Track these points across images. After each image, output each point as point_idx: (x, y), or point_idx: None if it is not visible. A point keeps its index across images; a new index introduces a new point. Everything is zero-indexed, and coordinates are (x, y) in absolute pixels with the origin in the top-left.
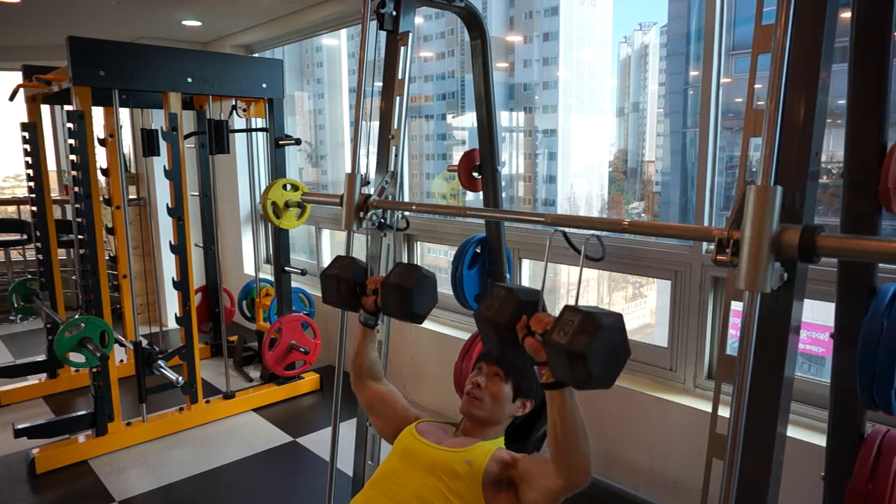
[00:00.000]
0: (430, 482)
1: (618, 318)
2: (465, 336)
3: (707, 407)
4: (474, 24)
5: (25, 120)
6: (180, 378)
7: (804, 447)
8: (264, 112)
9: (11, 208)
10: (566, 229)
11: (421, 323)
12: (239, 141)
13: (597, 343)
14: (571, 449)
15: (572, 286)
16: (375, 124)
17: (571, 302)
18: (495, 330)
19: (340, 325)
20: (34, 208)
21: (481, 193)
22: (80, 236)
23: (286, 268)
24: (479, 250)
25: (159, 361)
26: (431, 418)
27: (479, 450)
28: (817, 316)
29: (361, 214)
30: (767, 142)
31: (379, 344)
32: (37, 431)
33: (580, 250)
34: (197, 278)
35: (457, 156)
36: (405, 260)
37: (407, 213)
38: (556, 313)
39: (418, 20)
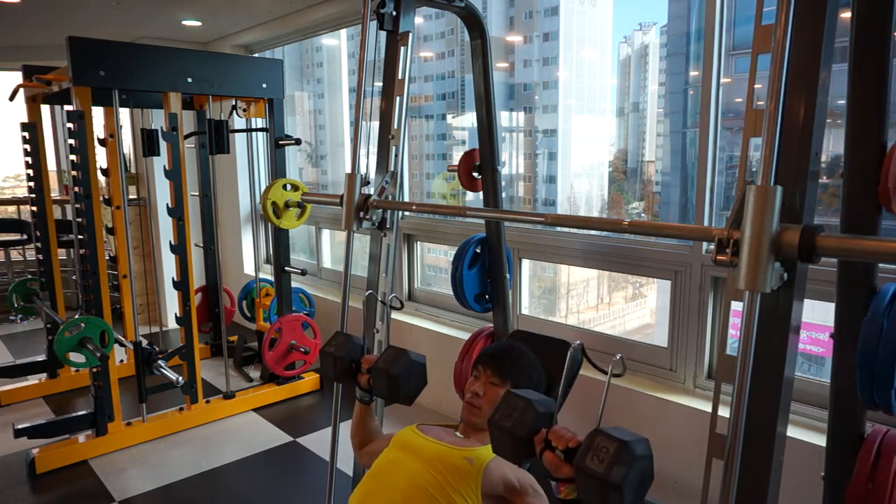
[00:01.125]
0: (429, 474)
1: (647, 446)
2: (465, 336)
3: (707, 407)
4: (474, 24)
5: (25, 120)
6: (180, 378)
7: (804, 447)
8: (264, 112)
9: (11, 208)
10: (582, 343)
11: (410, 405)
12: (239, 141)
13: (632, 474)
14: None
15: (572, 286)
16: (375, 124)
17: (573, 309)
18: (512, 440)
19: (340, 325)
20: (34, 208)
21: (481, 193)
22: (80, 236)
23: (286, 268)
24: (479, 250)
25: (159, 361)
26: (430, 423)
27: (480, 452)
28: (817, 316)
29: (361, 214)
30: (767, 142)
31: (380, 344)
32: (37, 431)
33: (602, 368)
34: (197, 278)
35: (457, 156)
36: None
37: (407, 213)
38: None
39: (418, 20)
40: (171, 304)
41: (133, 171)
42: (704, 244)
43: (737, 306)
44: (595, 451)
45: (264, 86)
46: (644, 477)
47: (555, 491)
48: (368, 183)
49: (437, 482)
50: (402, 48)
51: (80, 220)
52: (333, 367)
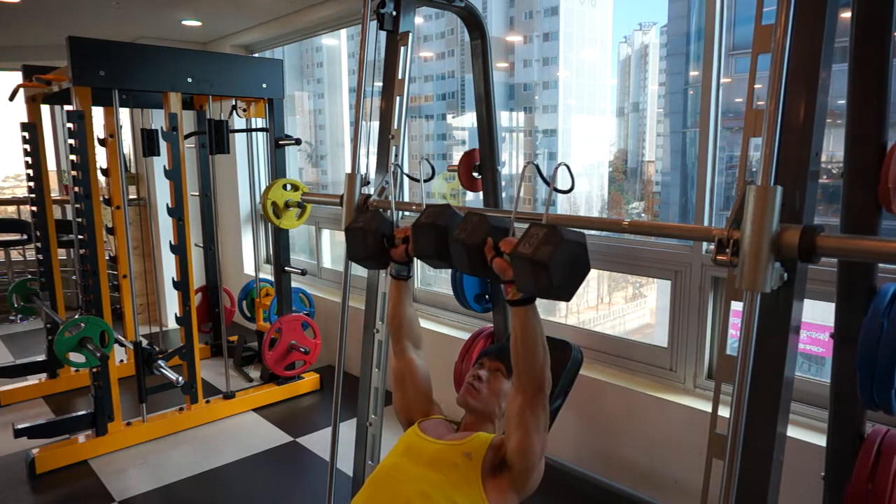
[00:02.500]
0: (430, 476)
1: (580, 235)
2: (465, 336)
3: (707, 407)
4: (474, 24)
5: (25, 120)
6: (180, 378)
7: (804, 447)
8: (264, 112)
9: (11, 208)
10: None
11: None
12: (239, 141)
13: (558, 254)
14: (530, 359)
15: None
16: (375, 124)
17: (573, 309)
18: (467, 252)
19: (340, 325)
20: (34, 208)
21: (481, 193)
22: (80, 236)
23: (286, 268)
24: None
25: (159, 361)
26: (436, 416)
27: (477, 440)
28: (817, 316)
29: None
30: (767, 142)
31: (380, 344)
32: (37, 431)
33: (549, 181)
34: (197, 278)
35: (457, 156)
36: None
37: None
38: None
39: (418, 20)
40: (171, 304)
41: (133, 171)
42: (704, 244)
43: (737, 306)
44: (528, 238)
45: (264, 86)
46: (576, 262)
47: (504, 294)
48: (368, 183)
49: (438, 483)
50: (402, 48)
51: (80, 220)
52: (364, 243)
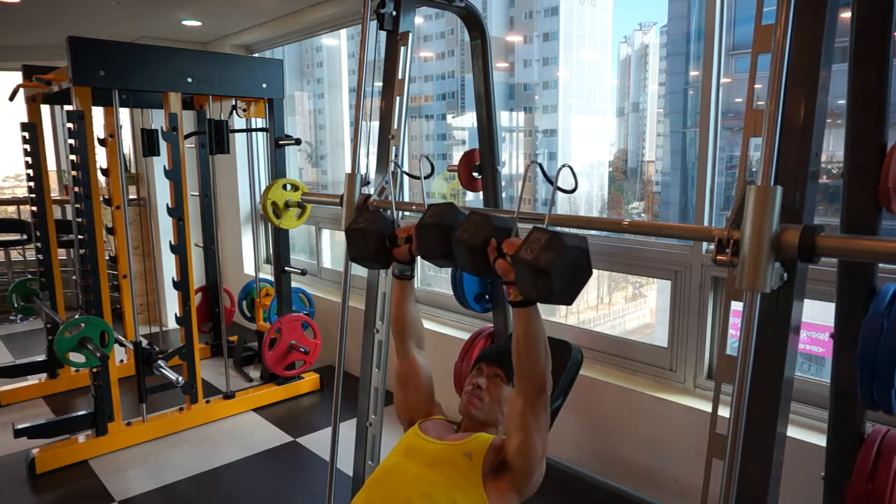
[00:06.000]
0: (431, 476)
1: (582, 240)
2: (465, 336)
3: (707, 407)
4: (474, 24)
5: (25, 120)
6: (180, 378)
7: (804, 447)
8: (264, 112)
9: (11, 208)
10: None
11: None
12: (239, 141)
13: (561, 261)
14: (532, 361)
15: None
16: (375, 124)
17: (573, 309)
18: (469, 252)
19: (340, 325)
20: (34, 208)
21: (481, 193)
22: (80, 236)
23: (286, 268)
24: None
25: (159, 361)
26: (437, 416)
27: (477, 440)
28: (817, 316)
29: None
30: (767, 142)
31: (380, 344)
32: (37, 431)
33: (552, 180)
34: (197, 278)
35: (457, 156)
36: None
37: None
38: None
39: (418, 20)
40: (171, 304)
41: (133, 171)
42: (704, 244)
43: (737, 306)
44: (529, 243)
45: (264, 86)
46: (578, 268)
47: (506, 295)
48: (368, 183)
49: (439, 483)
50: (402, 48)
51: (80, 220)
52: (365, 244)
